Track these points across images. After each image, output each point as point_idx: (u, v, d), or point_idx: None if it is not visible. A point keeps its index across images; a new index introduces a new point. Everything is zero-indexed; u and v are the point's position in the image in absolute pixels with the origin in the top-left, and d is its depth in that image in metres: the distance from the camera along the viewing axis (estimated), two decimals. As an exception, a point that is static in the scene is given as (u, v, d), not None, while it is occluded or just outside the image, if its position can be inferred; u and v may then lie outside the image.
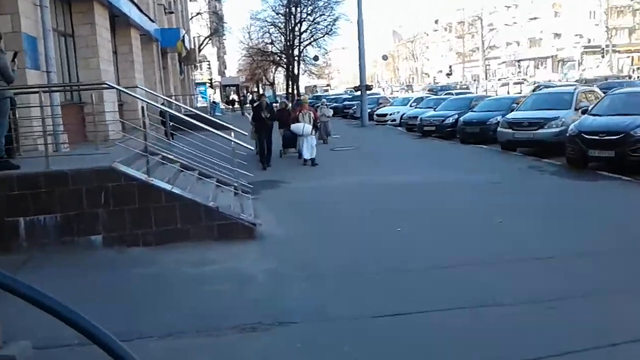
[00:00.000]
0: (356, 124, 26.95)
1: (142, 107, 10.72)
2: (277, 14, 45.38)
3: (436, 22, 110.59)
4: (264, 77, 65.60)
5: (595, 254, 5.85)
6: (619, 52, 73.59)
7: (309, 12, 42.85)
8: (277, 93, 57.43)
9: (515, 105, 16.64)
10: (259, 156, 13.52)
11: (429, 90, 43.36)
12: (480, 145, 16.31)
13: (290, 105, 17.14)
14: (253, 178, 8.81)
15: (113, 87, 8.95)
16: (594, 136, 11.05)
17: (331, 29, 42.96)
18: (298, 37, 43.25)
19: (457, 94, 30.28)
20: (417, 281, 5.37)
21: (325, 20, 42.71)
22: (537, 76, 75.05)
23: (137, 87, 12.62)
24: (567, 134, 11.76)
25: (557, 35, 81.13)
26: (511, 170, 11.79)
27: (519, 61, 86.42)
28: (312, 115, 14.25)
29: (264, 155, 13.49)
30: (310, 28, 43.29)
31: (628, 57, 72.96)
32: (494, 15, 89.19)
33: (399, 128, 24.36)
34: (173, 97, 27.07)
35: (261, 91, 77.88)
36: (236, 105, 49.53)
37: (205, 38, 48.80)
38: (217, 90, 62.35)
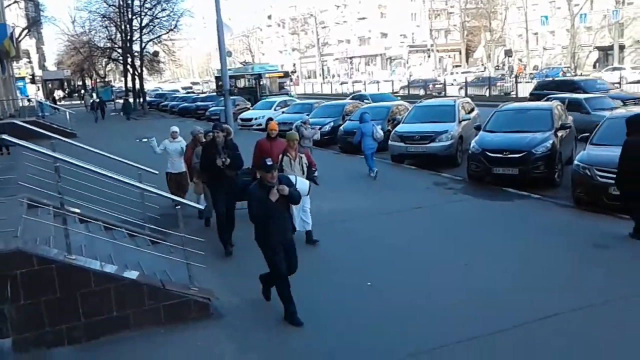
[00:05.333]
0: (219, 130, 25.42)
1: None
2: (109, 5, 41.34)
3: (269, 17, 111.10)
4: (93, 71, 60.13)
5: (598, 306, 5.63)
6: (438, 51, 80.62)
7: (149, 6, 39.62)
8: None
9: (400, 115, 16.76)
10: (218, 228, 8.16)
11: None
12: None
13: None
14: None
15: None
16: (497, 154, 11.28)
17: (175, 25, 40.25)
18: (139, 32, 39.77)
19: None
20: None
21: (168, 16, 39.85)
22: (369, 73, 79.18)
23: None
24: (470, 151, 11.91)
25: (384, 34, 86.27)
26: (421, 189, 11.61)
27: (351, 58, 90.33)
28: (304, 160, 8.13)
29: (223, 229, 7.98)
30: (151, 23, 40.06)
31: (449, 56, 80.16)
32: (325, 14, 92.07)
33: (267, 134, 23.42)
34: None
35: (88, 84, 71.63)
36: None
37: (24, 29, 42.86)
38: (40, 86, 55.50)
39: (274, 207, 5.43)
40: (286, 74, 40.41)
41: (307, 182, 7.70)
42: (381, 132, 13.08)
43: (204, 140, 9.15)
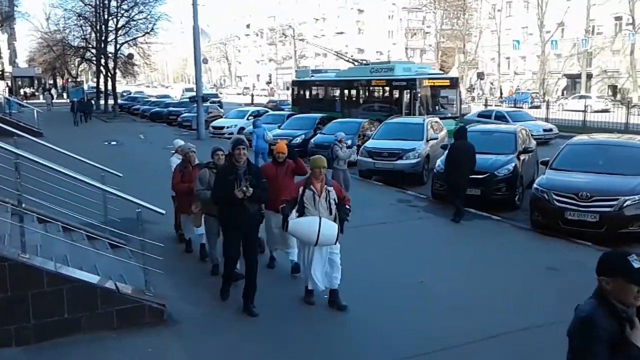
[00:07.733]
0: (189, 135, 25.27)
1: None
2: (86, 4, 40.90)
3: (248, 26, 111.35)
4: (65, 71, 59.27)
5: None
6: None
7: (126, 7, 39.33)
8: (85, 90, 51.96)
9: (370, 131, 17.00)
10: (223, 278, 6.49)
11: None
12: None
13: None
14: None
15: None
16: (461, 174, 11.51)
17: (152, 29, 40.01)
18: (114, 33, 39.41)
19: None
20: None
21: (145, 19, 39.60)
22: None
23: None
24: (435, 170, 12.14)
25: (361, 50, 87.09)
26: (385, 205, 11.77)
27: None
28: (332, 195, 6.23)
29: (230, 281, 6.41)
30: (127, 25, 39.72)
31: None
32: (303, 26, 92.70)
33: (238, 143, 23.44)
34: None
35: (60, 83, 70.40)
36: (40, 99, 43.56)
37: (-4, 24, 42.08)
38: (9, 83, 54.31)
39: None
40: (453, 83, 23.72)
41: (336, 225, 6.04)
42: (270, 135, 15.98)
43: (197, 161, 7.84)
